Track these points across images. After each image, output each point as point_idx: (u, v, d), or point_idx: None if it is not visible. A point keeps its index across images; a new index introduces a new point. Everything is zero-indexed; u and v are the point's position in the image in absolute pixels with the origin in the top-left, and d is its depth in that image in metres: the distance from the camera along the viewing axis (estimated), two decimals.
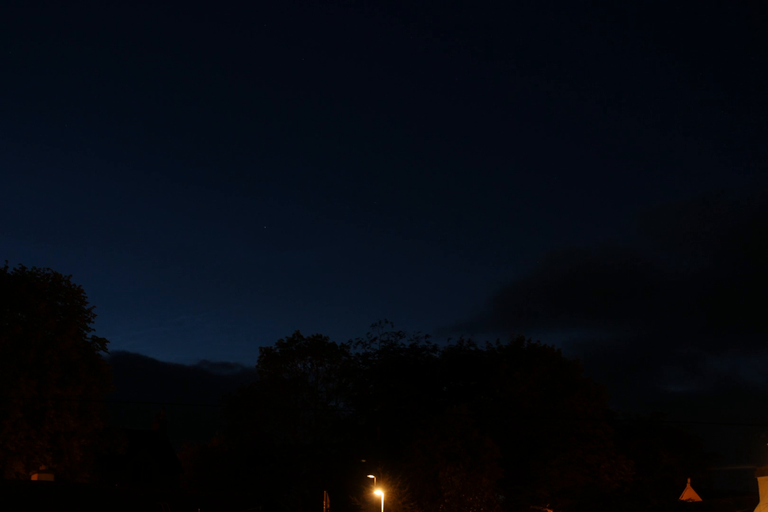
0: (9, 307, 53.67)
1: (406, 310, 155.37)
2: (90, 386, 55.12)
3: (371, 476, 55.65)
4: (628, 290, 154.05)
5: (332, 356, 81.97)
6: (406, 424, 66.24)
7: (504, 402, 66.62)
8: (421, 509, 55.98)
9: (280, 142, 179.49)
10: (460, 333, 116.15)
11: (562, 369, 68.13)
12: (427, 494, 56.46)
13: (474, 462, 56.40)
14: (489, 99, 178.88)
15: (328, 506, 50.89)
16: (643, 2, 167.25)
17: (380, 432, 73.42)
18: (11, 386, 50.40)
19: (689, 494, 65.89)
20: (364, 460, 63.63)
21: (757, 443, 45.78)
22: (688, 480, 67.55)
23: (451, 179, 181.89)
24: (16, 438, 50.20)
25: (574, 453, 61.69)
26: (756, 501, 38.35)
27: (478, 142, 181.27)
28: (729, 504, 55.96)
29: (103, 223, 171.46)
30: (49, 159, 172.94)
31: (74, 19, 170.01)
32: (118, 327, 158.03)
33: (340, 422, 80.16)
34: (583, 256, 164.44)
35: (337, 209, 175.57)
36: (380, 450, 67.38)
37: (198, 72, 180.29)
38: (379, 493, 53.61)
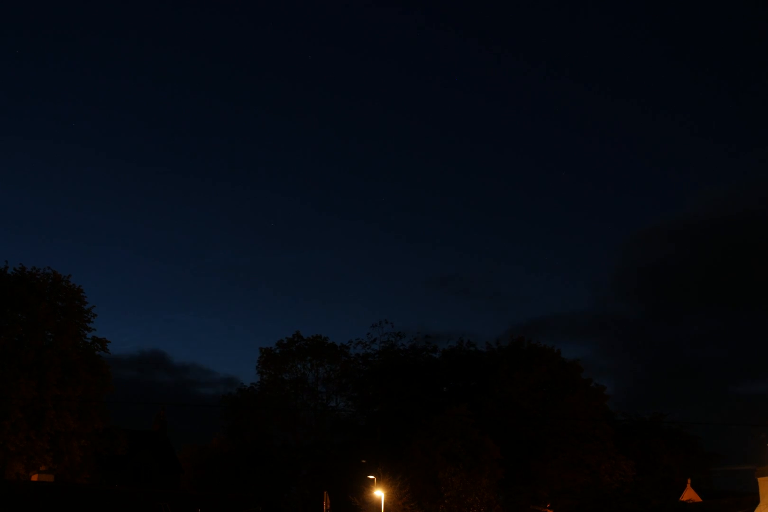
0: (9, 307, 53.66)
1: (406, 310, 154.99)
2: (90, 386, 55.14)
3: (371, 476, 55.61)
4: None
5: (332, 357, 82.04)
6: (406, 425, 66.29)
7: (504, 402, 66.64)
8: (421, 509, 55.97)
9: (283, 141, 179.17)
10: (458, 336, 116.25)
11: (562, 370, 68.16)
12: (427, 494, 56.45)
13: (474, 463, 56.40)
14: (501, 96, 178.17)
15: (328, 506, 50.86)
16: None
17: (380, 432, 73.46)
18: (11, 387, 50.40)
19: (689, 494, 65.82)
20: (364, 460, 63.63)
21: (757, 443, 45.70)
22: (689, 481, 67.49)
23: (455, 177, 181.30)
24: (16, 439, 50.21)
25: (574, 453, 61.72)
26: (756, 501, 38.31)
27: (484, 140, 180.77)
28: (729, 505, 55.85)
29: (103, 222, 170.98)
30: (48, 158, 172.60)
31: (69, 13, 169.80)
32: (117, 326, 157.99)
33: (340, 422, 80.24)
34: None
35: (339, 209, 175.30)
36: (380, 450, 67.39)
37: (201, 65, 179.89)
38: (379, 493, 53.58)
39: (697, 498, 64.86)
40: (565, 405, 64.66)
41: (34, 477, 49.76)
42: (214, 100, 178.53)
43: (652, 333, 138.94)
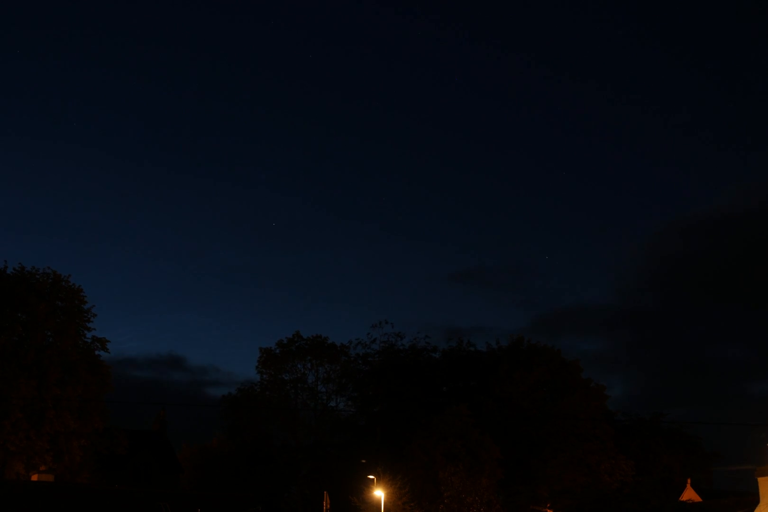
0: (9, 307, 53.70)
1: (406, 311, 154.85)
2: (90, 386, 55.17)
3: (371, 476, 55.63)
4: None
5: (332, 356, 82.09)
6: (406, 424, 66.31)
7: (504, 402, 66.66)
8: (421, 509, 55.98)
9: (284, 141, 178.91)
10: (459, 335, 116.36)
11: (562, 370, 68.18)
12: (427, 494, 56.47)
13: (474, 463, 56.42)
14: (505, 95, 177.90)
15: (328, 506, 50.86)
16: None
17: (380, 432, 73.51)
18: (11, 386, 50.44)
19: (689, 494, 65.88)
20: (364, 460, 63.63)
21: (757, 443, 45.74)
22: (689, 481, 67.53)
23: (457, 177, 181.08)
24: (16, 439, 50.24)
25: (574, 453, 61.70)
26: (756, 501, 38.33)
27: (488, 140, 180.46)
28: (729, 505, 55.89)
29: (103, 222, 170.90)
30: (48, 158, 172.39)
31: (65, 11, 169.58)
32: (116, 325, 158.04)
33: (340, 422, 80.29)
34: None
35: (339, 209, 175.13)
36: (380, 450, 67.40)
37: (202, 65, 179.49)
38: (379, 493, 53.60)
39: (697, 498, 64.90)
40: (565, 405, 64.68)
41: (34, 477, 49.80)
42: (214, 99, 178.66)
43: (674, 329, 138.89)
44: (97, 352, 58.13)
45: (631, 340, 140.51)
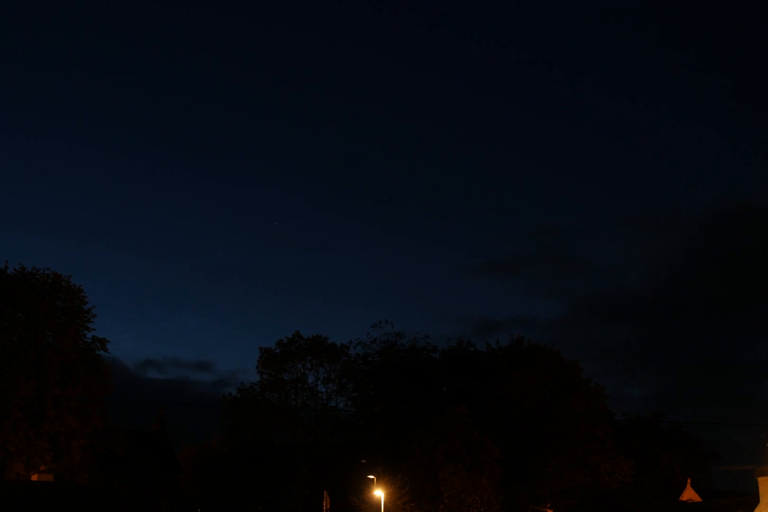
0: (9, 307, 53.73)
1: (406, 311, 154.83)
2: (90, 386, 55.21)
3: (371, 476, 55.63)
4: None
5: (332, 356, 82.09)
6: (406, 425, 66.33)
7: (504, 402, 66.66)
8: (420, 509, 56.00)
9: (284, 140, 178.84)
10: (459, 335, 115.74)
11: (562, 370, 68.20)
12: (427, 494, 56.49)
13: (474, 463, 56.42)
14: (501, 95, 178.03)
15: (328, 506, 50.85)
16: None
17: (380, 432, 73.53)
18: (11, 386, 50.46)
19: (689, 494, 65.98)
20: (364, 460, 63.62)
21: (757, 443, 45.81)
22: (688, 481, 67.61)
23: (456, 177, 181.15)
24: (16, 439, 50.26)
25: (574, 453, 61.72)
26: (756, 501, 38.35)
27: (489, 139, 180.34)
28: (729, 505, 55.94)
29: (103, 222, 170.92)
30: (48, 158, 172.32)
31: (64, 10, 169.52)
32: (115, 325, 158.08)
33: (340, 422, 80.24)
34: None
35: (339, 209, 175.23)
36: (380, 450, 67.41)
37: (202, 64, 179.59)
38: (379, 493, 53.61)
39: (697, 498, 65.00)
40: (565, 405, 64.69)
41: (34, 477, 49.83)
42: (214, 99, 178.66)
43: (701, 324, 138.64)
44: (97, 352, 58.22)
45: (663, 333, 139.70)
